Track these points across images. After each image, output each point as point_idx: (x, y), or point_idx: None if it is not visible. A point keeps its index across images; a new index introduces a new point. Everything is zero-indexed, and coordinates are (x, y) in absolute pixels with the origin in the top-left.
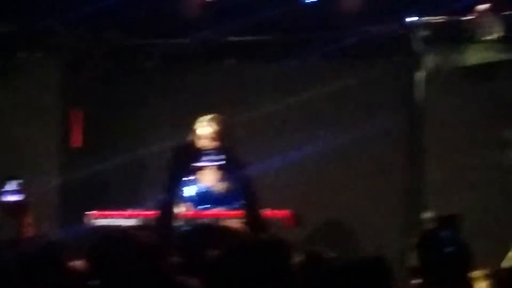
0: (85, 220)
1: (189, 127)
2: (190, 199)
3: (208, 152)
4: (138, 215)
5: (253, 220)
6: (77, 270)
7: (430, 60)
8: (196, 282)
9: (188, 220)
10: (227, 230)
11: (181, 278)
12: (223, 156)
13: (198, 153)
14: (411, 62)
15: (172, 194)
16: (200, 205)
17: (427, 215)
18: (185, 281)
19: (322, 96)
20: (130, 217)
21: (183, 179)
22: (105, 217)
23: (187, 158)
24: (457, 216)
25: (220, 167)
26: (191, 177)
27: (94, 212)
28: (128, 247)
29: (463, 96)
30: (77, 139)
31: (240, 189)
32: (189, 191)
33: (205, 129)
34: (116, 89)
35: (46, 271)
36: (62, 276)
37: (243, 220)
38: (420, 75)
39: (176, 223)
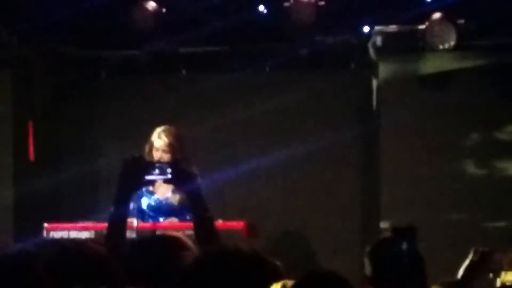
0: (41, 232)
1: (142, 139)
2: (143, 211)
3: (158, 164)
4: (92, 227)
5: (202, 231)
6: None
7: (385, 70)
8: None
9: (140, 232)
10: (177, 241)
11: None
12: (169, 169)
13: (148, 166)
14: (367, 71)
15: (121, 207)
16: (153, 217)
17: (385, 225)
18: None
19: (277, 107)
20: (84, 229)
21: (134, 191)
22: (60, 229)
23: (136, 171)
24: (413, 228)
25: (166, 181)
26: (145, 189)
27: (49, 224)
28: (83, 260)
29: (419, 105)
30: (29, 152)
31: (189, 200)
32: (143, 203)
33: (157, 141)
34: (69, 101)
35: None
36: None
37: (193, 231)
38: (375, 85)
39: (128, 235)
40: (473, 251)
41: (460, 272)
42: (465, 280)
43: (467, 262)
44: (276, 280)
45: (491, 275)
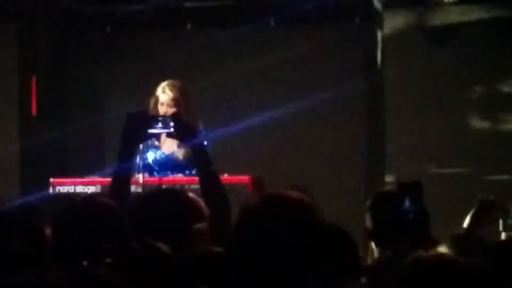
0: (46, 187)
1: (147, 93)
2: (149, 165)
3: (161, 118)
4: (98, 182)
5: (208, 185)
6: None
7: (390, 23)
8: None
9: (146, 186)
10: (183, 194)
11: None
12: (172, 123)
13: (151, 120)
14: (372, 25)
15: (125, 161)
16: (159, 171)
17: (389, 178)
18: (148, 241)
19: (282, 60)
20: (90, 184)
21: (137, 145)
22: (66, 184)
23: (139, 124)
24: (419, 183)
25: (168, 135)
26: (151, 144)
27: (55, 179)
28: (90, 214)
29: (424, 59)
30: (32, 107)
31: (193, 154)
32: (149, 158)
33: (162, 95)
34: (73, 56)
35: (22, 235)
36: (37, 241)
37: (199, 186)
38: (381, 38)
39: (134, 190)
40: (478, 200)
41: (466, 222)
42: (470, 229)
43: (472, 211)
44: None
45: (500, 225)
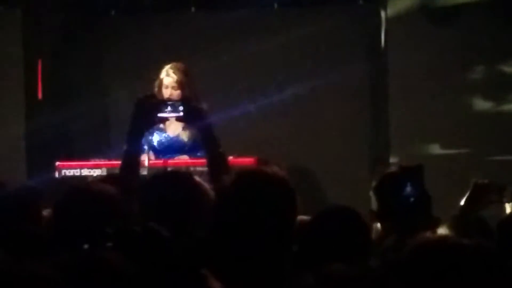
0: (52, 170)
1: (152, 77)
2: (154, 148)
3: (169, 102)
4: (104, 165)
5: (215, 167)
6: (46, 218)
7: (394, 4)
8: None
9: (152, 169)
10: (188, 176)
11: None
12: (181, 107)
13: (160, 104)
14: (376, 7)
15: (134, 144)
16: (164, 154)
17: (394, 159)
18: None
19: (286, 43)
20: (95, 167)
21: (147, 129)
22: (71, 167)
23: (149, 108)
24: (419, 167)
25: (178, 119)
26: (156, 127)
27: (60, 162)
28: (91, 200)
29: (428, 40)
30: (38, 91)
31: (201, 137)
32: (154, 140)
33: (166, 78)
34: (78, 40)
35: (21, 215)
36: (34, 222)
37: (204, 168)
38: (384, 20)
39: (141, 173)
40: (473, 183)
41: (460, 204)
42: (463, 212)
43: (467, 194)
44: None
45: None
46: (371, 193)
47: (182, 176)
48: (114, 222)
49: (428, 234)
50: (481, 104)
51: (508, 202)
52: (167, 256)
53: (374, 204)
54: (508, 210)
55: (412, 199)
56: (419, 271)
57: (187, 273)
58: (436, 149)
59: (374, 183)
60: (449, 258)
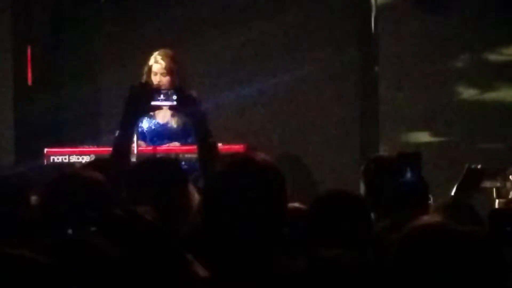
0: (41, 156)
1: (143, 63)
2: (143, 135)
3: (163, 91)
4: (92, 151)
5: (206, 155)
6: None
7: None
8: (147, 209)
9: (141, 156)
10: (174, 162)
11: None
12: (173, 96)
13: (153, 92)
14: None
15: (127, 131)
16: (153, 141)
17: (383, 147)
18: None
19: (277, 29)
20: (84, 153)
21: (140, 116)
22: (60, 154)
23: (142, 96)
24: (417, 154)
25: (170, 107)
26: (148, 114)
27: (49, 149)
28: (78, 186)
29: (418, 27)
30: (27, 77)
31: (192, 124)
32: (144, 127)
33: (155, 65)
34: (67, 26)
35: (9, 201)
36: (23, 208)
37: (193, 155)
38: (374, 6)
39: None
40: (466, 168)
41: (453, 190)
42: (457, 197)
43: (459, 180)
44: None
45: (494, 195)
46: (361, 179)
47: (167, 162)
48: (100, 207)
49: (425, 218)
50: (472, 91)
51: (502, 187)
52: (150, 240)
53: (362, 189)
54: (497, 205)
55: (410, 186)
56: (414, 255)
57: (170, 257)
58: (425, 136)
59: (362, 168)
60: (445, 243)
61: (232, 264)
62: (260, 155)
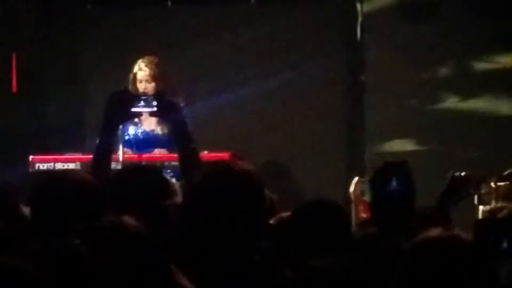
0: (26, 164)
1: (128, 70)
2: (129, 142)
3: (143, 97)
4: (78, 159)
5: (187, 162)
6: (24, 216)
7: None
8: (132, 220)
9: (126, 163)
10: (156, 170)
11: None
12: (154, 102)
13: (133, 98)
14: (352, 1)
15: (107, 138)
16: (139, 148)
17: (369, 155)
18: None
19: (262, 37)
20: (69, 161)
21: (120, 123)
22: (45, 161)
23: (122, 103)
24: (404, 163)
25: (151, 114)
26: (132, 121)
27: (34, 156)
28: (69, 187)
29: (404, 35)
30: (12, 84)
31: (173, 132)
32: (130, 134)
33: (139, 72)
34: (53, 33)
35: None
36: (12, 220)
37: (177, 163)
38: (360, 14)
39: (114, 167)
40: (449, 176)
41: (436, 198)
42: (440, 205)
43: (444, 187)
44: (272, 212)
45: (476, 202)
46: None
47: (149, 170)
48: (89, 207)
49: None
50: (456, 100)
51: (485, 194)
52: (136, 253)
53: (367, 197)
54: (480, 213)
55: (396, 195)
56: (424, 265)
57: (155, 269)
58: (410, 144)
59: (369, 177)
60: (455, 255)
61: (215, 275)
62: (241, 163)
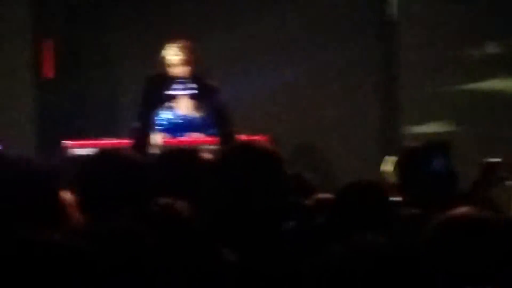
0: (61, 150)
1: (159, 55)
2: (165, 127)
3: (180, 80)
4: (113, 144)
5: (226, 143)
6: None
7: None
8: (184, 204)
9: (165, 147)
10: (196, 153)
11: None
12: (194, 85)
13: (170, 82)
14: None
15: (145, 123)
16: (175, 133)
17: (405, 137)
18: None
19: (295, 21)
20: (105, 146)
21: (157, 107)
22: (80, 146)
23: (159, 87)
24: (446, 143)
25: (192, 96)
26: (167, 105)
27: (69, 142)
28: (119, 164)
29: (440, 15)
30: (49, 70)
31: (213, 115)
32: (166, 119)
33: (171, 56)
34: (86, 18)
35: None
36: (55, 208)
37: (215, 146)
38: None
39: (152, 151)
40: (483, 163)
41: (470, 186)
42: (474, 192)
43: (478, 173)
44: (311, 194)
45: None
46: (386, 168)
47: (188, 153)
48: (138, 187)
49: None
50: (494, 81)
51: None
52: (184, 232)
53: (395, 179)
54: None
55: (438, 175)
56: (447, 243)
57: (204, 248)
58: (446, 126)
59: (397, 157)
60: (481, 232)
61: (255, 249)
62: (262, 143)
